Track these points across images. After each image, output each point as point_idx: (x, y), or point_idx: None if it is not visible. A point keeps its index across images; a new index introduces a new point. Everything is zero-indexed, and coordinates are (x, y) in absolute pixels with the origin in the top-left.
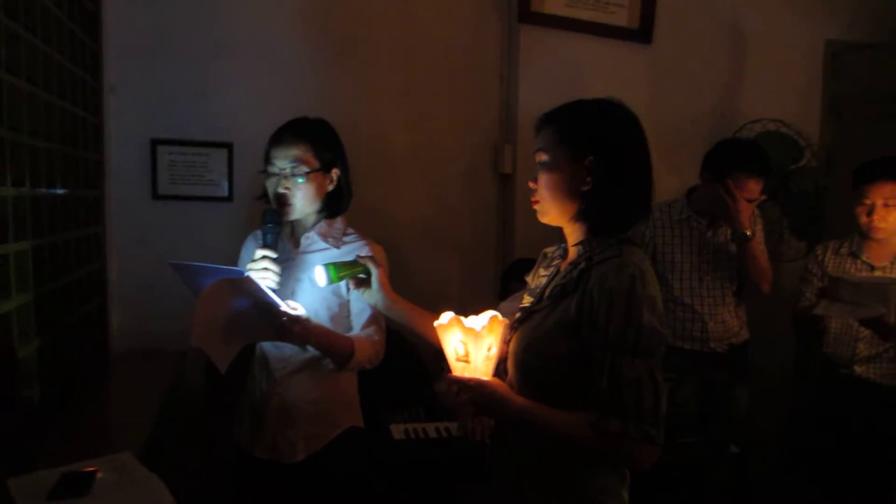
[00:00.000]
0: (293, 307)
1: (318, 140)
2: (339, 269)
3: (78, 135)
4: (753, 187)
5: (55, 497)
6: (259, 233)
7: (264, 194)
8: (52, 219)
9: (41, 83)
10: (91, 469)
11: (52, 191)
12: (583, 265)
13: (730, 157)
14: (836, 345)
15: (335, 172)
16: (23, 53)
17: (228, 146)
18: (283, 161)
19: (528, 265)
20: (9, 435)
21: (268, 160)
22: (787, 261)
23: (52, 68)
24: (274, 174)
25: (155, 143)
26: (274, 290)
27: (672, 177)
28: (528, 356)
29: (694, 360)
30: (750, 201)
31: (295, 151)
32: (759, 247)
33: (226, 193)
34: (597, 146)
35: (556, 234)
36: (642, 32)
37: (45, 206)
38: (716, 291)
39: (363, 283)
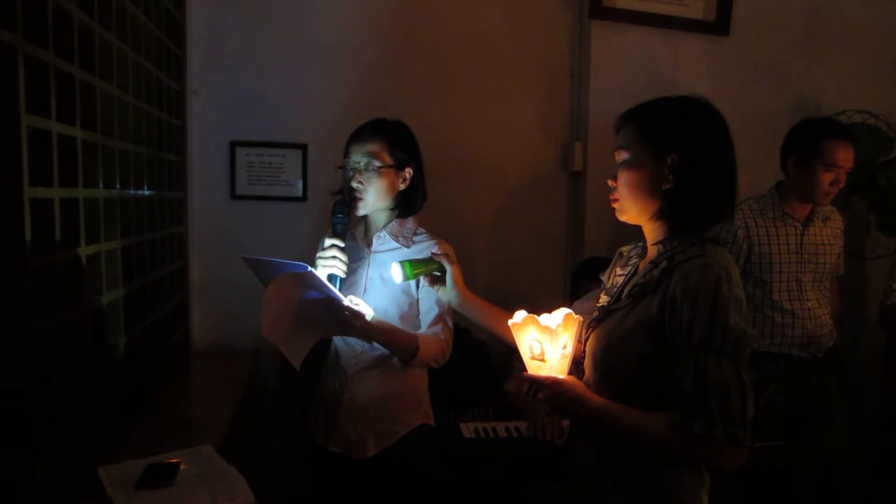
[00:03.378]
0: (355, 303)
1: (393, 139)
2: (415, 266)
3: (163, 138)
4: (847, 154)
5: (142, 486)
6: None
7: (341, 190)
8: (139, 219)
9: (130, 88)
10: (175, 461)
11: (140, 192)
12: (664, 264)
13: (815, 129)
14: None
15: (408, 171)
16: (114, 60)
17: (303, 147)
18: (357, 155)
19: (599, 264)
20: (99, 426)
21: (345, 155)
22: (874, 258)
23: (140, 74)
24: (349, 168)
25: (234, 144)
26: (340, 283)
27: (751, 173)
28: (606, 355)
29: (792, 366)
30: (845, 172)
31: (370, 147)
32: None
33: (300, 194)
34: (681, 144)
35: (627, 233)
36: (719, 24)
37: (133, 206)
38: (816, 294)
39: (438, 280)
